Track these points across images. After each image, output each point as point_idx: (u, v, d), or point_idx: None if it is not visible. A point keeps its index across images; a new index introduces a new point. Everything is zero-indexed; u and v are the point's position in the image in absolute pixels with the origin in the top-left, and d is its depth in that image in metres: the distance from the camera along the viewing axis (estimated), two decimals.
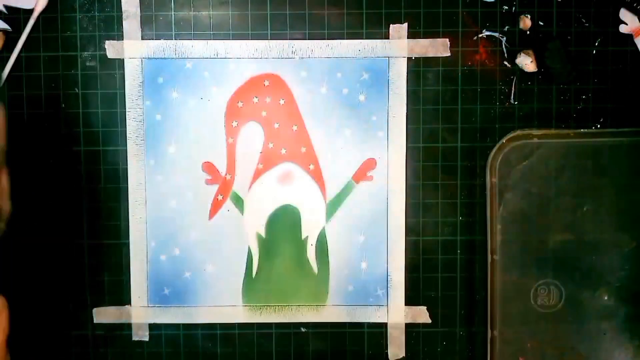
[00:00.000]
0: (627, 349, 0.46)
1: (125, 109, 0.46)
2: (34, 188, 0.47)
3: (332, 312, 0.48)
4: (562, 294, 0.46)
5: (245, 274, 0.47)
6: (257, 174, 0.47)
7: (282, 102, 0.47)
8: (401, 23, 0.46)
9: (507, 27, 0.46)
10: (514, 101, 0.47)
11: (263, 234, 0.47)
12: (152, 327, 0.48)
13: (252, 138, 0.47)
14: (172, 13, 0.46)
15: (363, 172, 0.47)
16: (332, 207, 0.47)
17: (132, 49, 0.46)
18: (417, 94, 0.47)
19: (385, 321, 0.48)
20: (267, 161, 0.47)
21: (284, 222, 0.47)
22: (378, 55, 0.46)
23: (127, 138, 0.47)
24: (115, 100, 0.47)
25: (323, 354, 0.48)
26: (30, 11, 0.46)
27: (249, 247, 0.47)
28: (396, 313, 0.48)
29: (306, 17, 0.46)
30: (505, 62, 0.47)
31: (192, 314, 0.47)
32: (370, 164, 0.47)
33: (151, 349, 0.48)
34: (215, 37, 0.46)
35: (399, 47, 0.46)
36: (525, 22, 0.46)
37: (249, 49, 0.46)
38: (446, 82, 0.47)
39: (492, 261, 0.45)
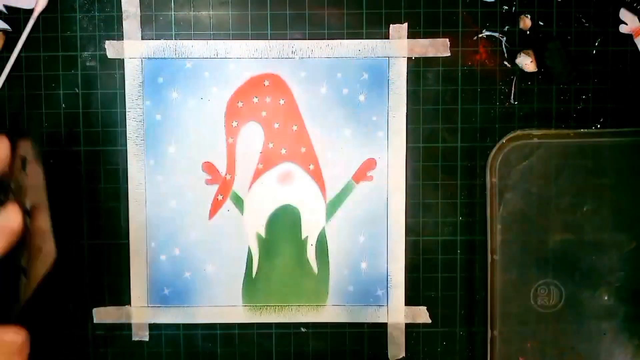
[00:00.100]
0: (627, 349, 0.46)
1: (125, 109, 0.46)
2: None
3: (332, 312, 0.48)
4: (562, 294, 0.46)
5: (245, 274, 0.47)
6: (257, 174, 0.47)
7: (282, 102, 0.47)
8: (401, 23, 0.46)
9: (507, 27, 0.46)
10: (514, 101, 0.47)
11: (263, 234, 0.47)
12: (152, 327, 0.48)
13: (252, 138, 0.47)
14: (172, 13, 0.46)
15: (363, 172, 0.47)
16: (332, 207, 0.47)
17: (132, 49, 0.46)
18: (417, 94, 0.47)
19: (385, 321, 0.48)
20: (267, 161, 0.47)
21: (284, 222, 0.47)
22: (378, 55, 0.46)
23: (127, 138, 0.47)
24: (115, 100, 0.47)
25: (323, 354, 0.48)
26: (30, 11, 0.46)
27: (249, 247, 0.47)
28: (396, 313, 0.48)
29: (306, 17, 0.46)
30: (505, 62, 0.47)
31: (192, 314, 0.47)
32: (370, 164, 0.47)
33: (151, 349, 0.48)
34: (215, 37, 0.46)
35: (399, 47, 0.46)
36: (525, 22, 0.46)
37: (249, 49, 0.46)
38: (446, 82, 0.47)
39: (492, 261, 0.45)
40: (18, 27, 0.46)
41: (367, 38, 0.46)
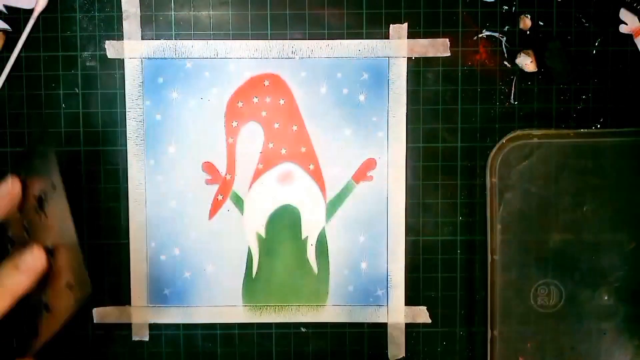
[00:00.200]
0: (627, 349, 0.46)
1: (125, 109, 0.46)
2: None
3: (332, 312, 0.48)
4: (562, 294, 0.46)
5: (245, 274, 0.47)
6: (257, 174, 0.47)
7: (282, 102, 0.47)
8: (401, 23, 0.46)
9: (507, 27, 0.46)
10: (514, 101, 0.47)
11: (263, 234, 0.47)
12: (152, 327, 0.48)
13: (252, 138, 0.47)
14: (172, 13, 0.46)
15: (363, 172, 0.47)
16: (332, 207, 0.47)
17: (132, 49, 0.46)
18: (417, 94, 0.47)
19: (385, 321, 0.48)
20: (267, 161, 0.47)
21: (284, 222, 0.47)
22: (378, 55, 0.46)
23: (127, 138, 0.47)
24: (115, 100, 0.47)
25: (323, 354, 0.48)
26: (30, 11, 0.46)
27: (249, 247, 0.47)
28: (396, 313, 0.48)
29: (306, 17, 0.46)
30: (505, 62, 0.47)
31: (192, 314, 0.47)
32: (370, 164, 0.47)
33: (151, 349, 0.48)
34: (215, 37, 0.46)
35: (399, 47, 0.46)
36: (525, 22, 0.46)
37: (249, 49, 0.46)
38: (446, 82, 0.47)
39: (492, 261, 0.45)
40: (18, 27, 0.46)
41: (367, 38, 0.46)
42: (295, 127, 0.47)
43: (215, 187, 0.47)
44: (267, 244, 0.47)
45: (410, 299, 0.48)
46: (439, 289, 0.48)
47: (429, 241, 0.47)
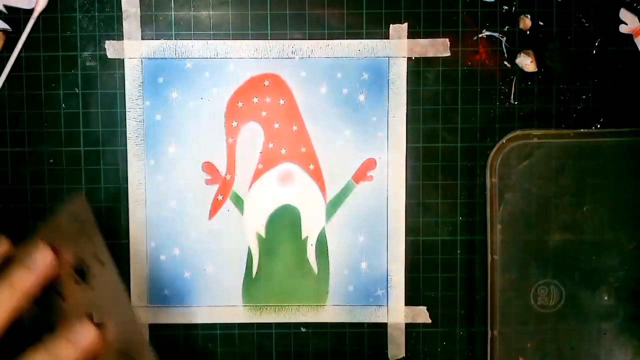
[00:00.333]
0: (627, 349, 0.46)
1: (125, 109, 0.46)
2: (34, 188, 0.47)
3: (332, 312, 0.48)
4: (562, 294, 0.46)
5: (245, 274, 0.47)
6: (257, 174, 0.47)
7: (282, 102, 0.47)
8: (401, 23, 0.46)
9: (507, 27, 0.46)
10: (514, 101, 0.47)
11: (263, 234, 0.47)
12: (152, 327, 0.48)
13: (252, 138, 0.47)
14: (172, 13, 0.46)
15: (363, 172, 0.47)
16: (332, 207, 0.47)
17: (132, 49, 0.46)
18: (417, 94, 0.47)
19: (385, 321, 0.48)
20: (267, 161, 0.47)
21: (284, 222, 0.47)
22: (378, 55, 0.46)
23: (127, 138, 0.47)
24: (115, 100, 0.47)
25: (323, 354, 0.48)
26: (30, 11, 0.46)
27: (249, 247, 0.47)
28: (396, 313, 0.48)
29: (306, 17, 0.46)
30: (505, 62, 0.47)
31: (192, 314, 0.47)
32: (370, 164, 0.47)
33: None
34: (215, 37, 0.46)
35: (399, 47, 0.46)
36: (525, 22, 0.46)
37: (249, 49, 0.46)
38: (446, 82, 0.47)
39: (492, 261, 0.45)
40: (18, 27, 0.46)
41: (367, 38, 0.46)
42: (295, 127, 0.47)
43: (215, 187, 0.47)
44: (267, 244, 0.47)
45: (410, 299, 0.48)
46: (439, 289, 0.48)
47: (429, 241, 0.47)
